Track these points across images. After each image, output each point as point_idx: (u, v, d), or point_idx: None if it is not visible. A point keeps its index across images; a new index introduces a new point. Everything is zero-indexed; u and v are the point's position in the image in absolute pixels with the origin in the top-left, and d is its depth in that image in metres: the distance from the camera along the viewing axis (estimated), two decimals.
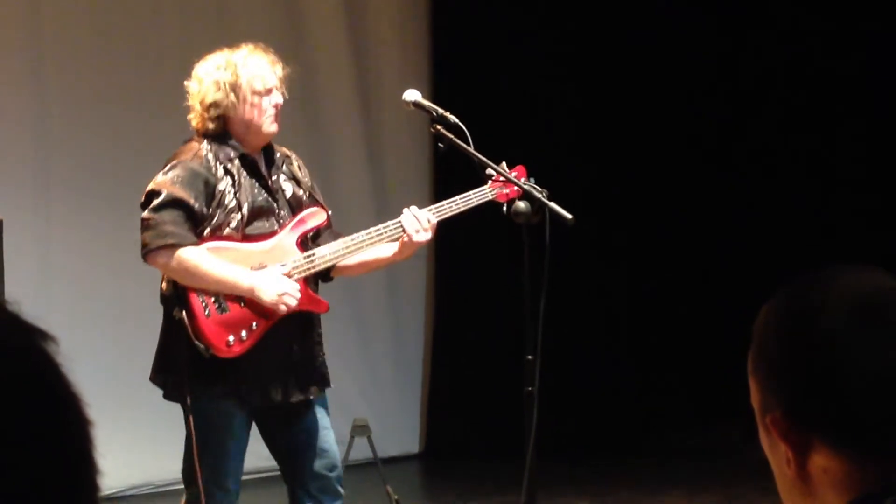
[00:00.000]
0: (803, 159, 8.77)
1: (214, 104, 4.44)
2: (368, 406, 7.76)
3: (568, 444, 7.82)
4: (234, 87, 4.44)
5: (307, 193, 4.65)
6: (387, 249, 4.59)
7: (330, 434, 4.62)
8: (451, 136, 4.39)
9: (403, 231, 4.50)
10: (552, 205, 4.24)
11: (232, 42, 7.72)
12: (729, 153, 8.94)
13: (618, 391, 8.70)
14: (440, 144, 4.43)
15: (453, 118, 4.41)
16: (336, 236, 4.65)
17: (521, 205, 4.19)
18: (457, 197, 4.60)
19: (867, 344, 1.34)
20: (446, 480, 7.97)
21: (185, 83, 4.55)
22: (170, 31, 7.45)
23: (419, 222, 4.50)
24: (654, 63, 8.75)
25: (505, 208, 4.48)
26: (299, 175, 4.66)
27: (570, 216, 4.28)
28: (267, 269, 4.44)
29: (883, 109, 8.54)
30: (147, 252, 4.41)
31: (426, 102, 4.53)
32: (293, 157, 4.70)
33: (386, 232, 4.55)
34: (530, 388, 4.06)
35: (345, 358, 8.11)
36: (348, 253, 4.56)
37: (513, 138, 7.44)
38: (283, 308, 4.42)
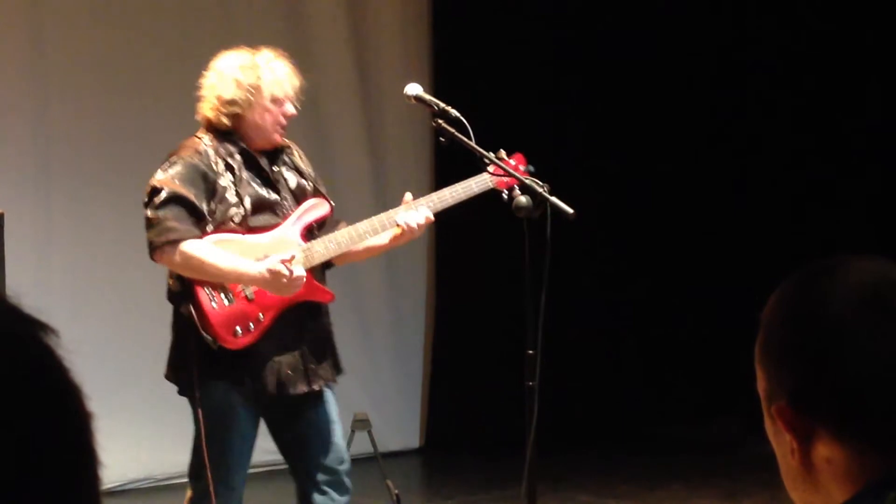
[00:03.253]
0: (805, 157, 8.76)
1: (232, 101, 4.47)
2: (369, 400, 7.75)
3: (568, 438, 7.83)
4: (255, 90, 4.46)
5: (311, 184, 4.68)
6: (384, 237, 4.64)
7: (338, 427, 4.63)
8: (453, 130, 4.39)
9: (403, 223, 4.56)
10: (553, 199, 4.23)
11: (233, 37, 7.74)
12: (732, 149, 8.94)
13: (618, 386, 8.71)
14: (441, 139, 4.43)
15: (454, 112, 4.41)
16: (337, 225, 4.68)
17: (523, 199, 4.18)
18: (457, 185, 4.64)
19: (875, 335, 1.34)
20: (447, 475, 7.97)
21: (204, 73, 4.56)
22: (171, 25, 7.45)
23: (417, 217, 4.56)
24: (655, 56, 8.74)
25: (505, 195, 4.51)
26: (302, 165, 4.68)
27: (571, 210, 4.28)
28: (271, 258, 4.45)
29: (885, 102, 8.53)
30: (153, 250, 4.43)
31: (427, 96, 4.52)
32: (294, 147, 4.71)
33: (388, 222, 4.59)
34: (531, 383, 4.06)
35: (345, 352, 8.05)
36: (351, 243, 4.59)
37: (514, 132, 7.45)
38: (287, 294, 4.44)
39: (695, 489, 7.18)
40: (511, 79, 8.40)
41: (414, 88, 4.53)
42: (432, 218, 4.60)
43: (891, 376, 1.32)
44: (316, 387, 4.54)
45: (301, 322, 4.54)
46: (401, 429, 8.27)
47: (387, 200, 7.88)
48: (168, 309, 7.16)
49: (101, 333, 7.03)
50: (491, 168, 4.58)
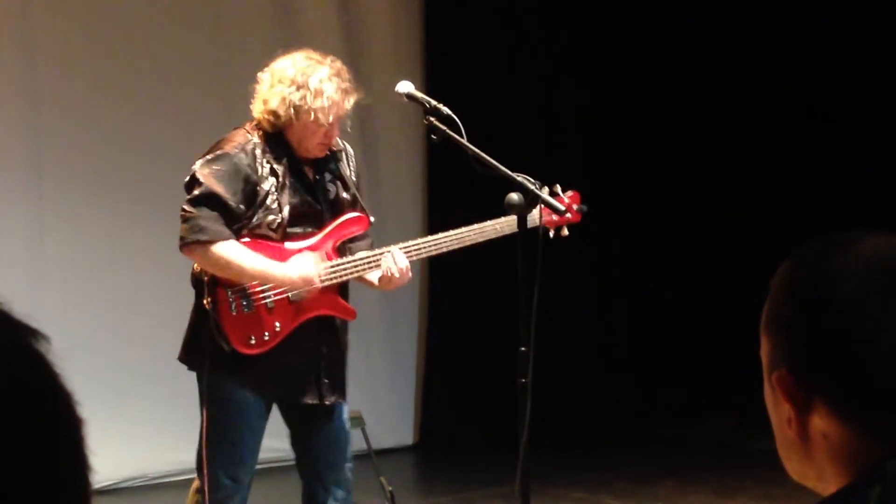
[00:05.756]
0: (805, 158, 8.77)
1: (275, 114, 4.46)
2: (362, 398, 7.74)
3: (562, 436, 7.84)
4: (298, 111, 4.44)
5: (351, 196, 4.66)
6: (373, 276, 4.65)
7: (348, 434, 4.68)
8: (445, 127, 4.38)
9: (384, 268, 4.57)
10: (546, 197, 4.24)
11: (223, 41, 7.73)
12: (728, 152, 8.95)
13: (612, 383, 8.71)
14: (433, 136, 4.42)
15: (446, 110, 4.40)
16: (366, 240, 4.70)
17: (514, 196, 4.18)
18: (485, 224, 4.65)
19: (882, 315, 1.33)
20: (440, 472, 7.98)
21: (260, 74, 4.53)
22: (161, 28, 7.44)
23: (395, 266, 4.56)
24: (648, 53, 8.75)
25: (552, 233, 4.60)
26: (346, 174, 4.67)
27: (563, 208, 4.29)
28: (298, 258, 4.47)
29: (883, 98, 8.53)
30: (182, 245, 4.44)
31: (419, 94, 4.52)
32: (345, 151, 4.70)
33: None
34: (524, 380, 4.06)
35: None
36: (368, 268, 4.59)
37: (506, 130, 7.46)
38: (311, 287, 4.45)
39: (688, 486, 7.19)
40: (503, 77, 8.40)
41: (405, 86, 4.52)
42: (407, 265, 4.58)
43: (893, 358, 1.32)
44: (327, 402, 4.55)
45: (319, 336, 4.55)
46: (394, 426, 8.27)
47: (380, 198, 7.89)
48: (161, 308, 7.20)
49: (95, 332, 7.03)
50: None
